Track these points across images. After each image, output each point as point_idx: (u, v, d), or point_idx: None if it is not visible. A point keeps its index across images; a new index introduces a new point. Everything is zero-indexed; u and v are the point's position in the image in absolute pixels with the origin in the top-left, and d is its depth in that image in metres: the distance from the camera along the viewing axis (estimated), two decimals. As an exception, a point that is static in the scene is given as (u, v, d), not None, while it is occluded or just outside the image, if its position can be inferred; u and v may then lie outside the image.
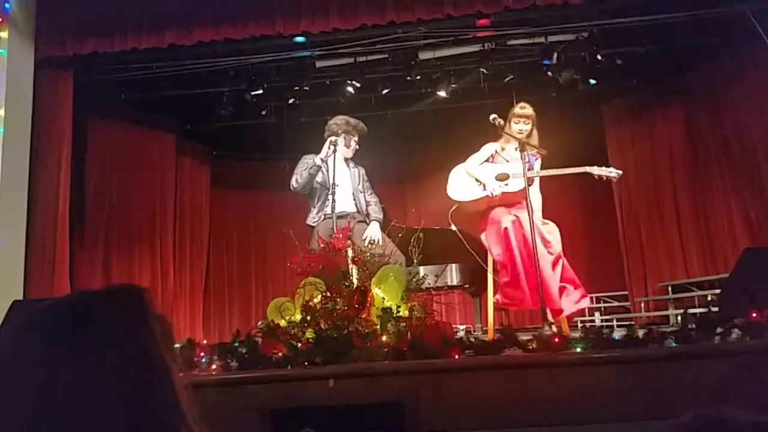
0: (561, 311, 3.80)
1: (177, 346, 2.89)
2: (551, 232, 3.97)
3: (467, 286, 5.05)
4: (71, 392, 0.69)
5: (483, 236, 4.14)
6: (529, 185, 3.87)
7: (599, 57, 6.19)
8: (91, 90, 6.10)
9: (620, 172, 4.07)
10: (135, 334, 0.74)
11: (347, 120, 4.35)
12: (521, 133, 4.04)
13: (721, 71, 6.65)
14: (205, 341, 3.47)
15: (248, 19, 5.30)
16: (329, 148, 4.15)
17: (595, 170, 3.98)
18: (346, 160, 4.32)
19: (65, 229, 5.52)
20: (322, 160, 4.20)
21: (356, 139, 4.32)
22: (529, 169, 3.93)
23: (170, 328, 0.80)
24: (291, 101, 6.93)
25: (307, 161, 4.25)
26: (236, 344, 2.94)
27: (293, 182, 4.24)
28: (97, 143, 6.75)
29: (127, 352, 0.72)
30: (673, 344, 2.75)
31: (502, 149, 4.23)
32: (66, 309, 0.76)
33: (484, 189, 4.10)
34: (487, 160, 4.22)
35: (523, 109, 4.13)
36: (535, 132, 4.14)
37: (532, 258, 3.72)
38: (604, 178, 4.00)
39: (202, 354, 2.93)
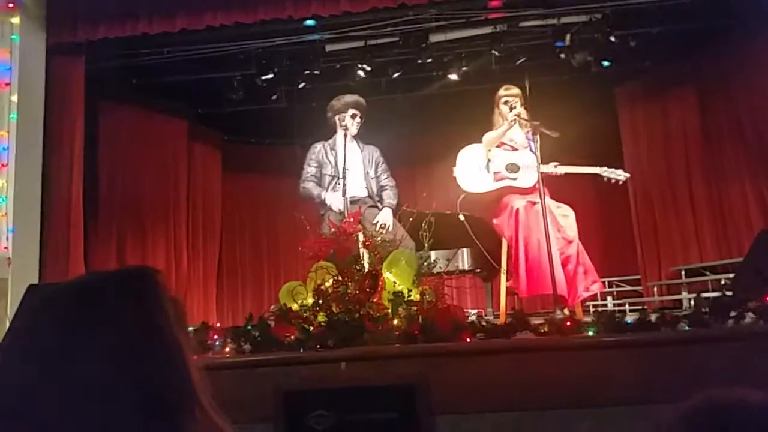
0: (565, 299, 3.79)
1: (190, 329, 2.93)
2: (566, 215, 3.95)
3: (479, 270, 5.04)
4: (85, 373, 0.69)
5: (495, 221, 4.13)
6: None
7: (612, 39, 6.11)
8: (102, 76, 6.11)
9: (628, 174, 4.12)
10: (148, 316, 0.74)
11: (345, 96, 4.34)
12: (514, 109, 4.04)
13: (734, 53, 6.54)
14: (218, 325, 3.50)
15: (258, 3, 5.28)
16: (340, 128, 4.16)
17: (605, 172, 4.03)
18: (356, 140, 4.31)
19: (79, 214, 5.56)
20: (330, 147, 4.21)
21: (359, 114, 4.30)
22: (530, 151, 3.96)
23: (183, 311, 0.80)
24: (301, 85, 6.92)
25: (313, 155, 4.25)
26: (249, 327, 2.96)
27: (301, 187, 4.24)
28: (109, 129, 6.78)
29: (141, 333, 0.73)
30: (686, 328, 2.74)
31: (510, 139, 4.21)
32: (79, 290, 0.76)
33: (495, 180, 4.09)
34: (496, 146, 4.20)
35: (508, 90, 4.14)
36: (524, 111, 4.16)
37: (540, 243, 3.71)
38: (613, 180, 4.01)
39: (215, 337, 2.96)
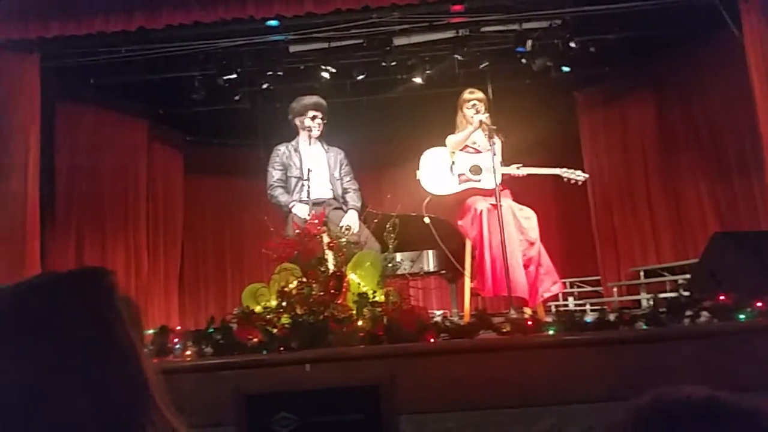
0: (525, 301, 3.85)
1: (150, 332, 2.87)
2: (528, 217, 4.01)
3: (444, 271, 5.07)
4: (36, 376, 0.67)
5: (460, 223, 4.17)
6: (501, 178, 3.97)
7: (572, 44, 6.23)
8: (59, 75, 5.95)
9: (587, 175, 4.24)
10: (101, 317, 0.72)
11: (304, 97, 4.32)
12: (479, 112, 4.10)
13: (690, 59, 6.75)
14: (179, 328, 3.43)
15: (218, 2, 5.21)
16: (302, 130, 4.15)
17: (564, 173, 4.11)
18: (321, 142, 4.29)
19: (35, 217, 5.40)
20: (294, 148, 4.19)
21: (320, 115, 4.28)
22: (494, 155, 4.03)
23: (137, 312, 0.79)
24: (265, 86, 6.86)
25: (277, 158, 4.21)
26: (211, 330, 2.92)
27: (269, 194, 4.19)
28: (67, 129, 6.60)
29: (93, 334, 0.71)
30: (644, 327, 2.80)
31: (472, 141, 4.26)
32: (30, 291, 0.74)
33: (459, 183, 4.13)
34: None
35: (473, 93, 4.22)
36: (487, 115, 4.21)
37: (502, 245, 3.77)
38: (572, 181, 4.09)
39: (176, 340, 2.90)
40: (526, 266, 3.90)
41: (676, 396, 0.66)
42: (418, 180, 4.25)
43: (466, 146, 4.23)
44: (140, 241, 7.33)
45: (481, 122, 4.05)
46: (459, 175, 4.18)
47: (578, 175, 4.10)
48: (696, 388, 0.66)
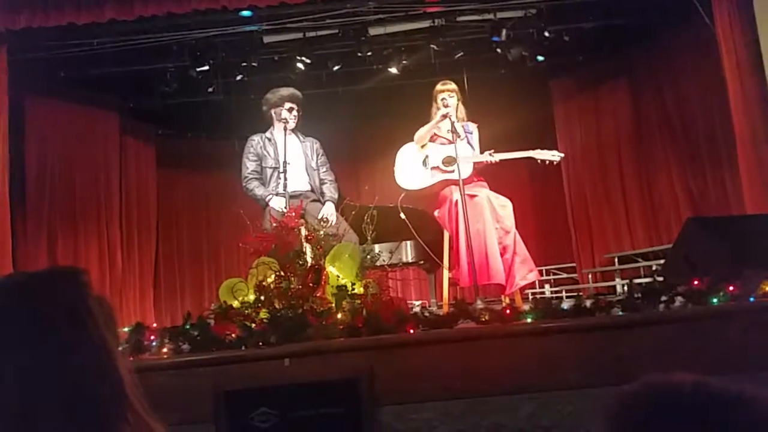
0: (503, 288, 3.87)
1: (125, 330, 2.83)
2: (504, 206, 4.02)
3: (422, 262, 5.08)
4: (8, 376, 0.65)
5: (436, 213, 4.17)
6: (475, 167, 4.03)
7: (547, 34, 6.26)
8: (28, 67, 5.81)
9: (562, 154, 4.22)
10: (73, 316, 0.71)
11: (280, 89, 4.28)
12: (447, 107, 4.10)
13: (663, 48, 6.83)
14: (155, 325, 3.39)
15: (191, -7, 5.13)
16: (278, 121, 4.11)
17: (538, 154, 4.11)
18: (295, 133, 4.25)
19: (5, 214, 5.29)
20: (268, 139, 4.14)
21: (296, 107, 4.25)
22: (468, 143, 4.08)
23: (111, 311, 0.77)
24: (239, 78, 6.78)
25: (251, 148, 4.16)
26: (188, 327, 2.88)
27: (244, 186, 4.14)
28: (37, 123, 6.47)
29: (66, 334, 0.69)
30: (620, 313, 2.84)
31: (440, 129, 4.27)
32: (2, 290, 0.72)
33: (431, 176, 4.14)
34: (430, 140, 4.24)
35: (446, 84, 4.23)
36: (461, 106, 4.25)
37: (480, 234, 3.79)
38: (547, 162, 4.09)
39: (152, 338, 2.86)
40: (501, 254, 3.91)
41: (665, 382, 0.67)
42: (397, 183, 4.26)
43: (437, 136, 4.24)
44: (114, 236, 7.23)
45: (444, 116, 4.06)
46: (432, 168, 4.19)
47: (553, 155, 4.09)
48: (684, 375, 0.67)
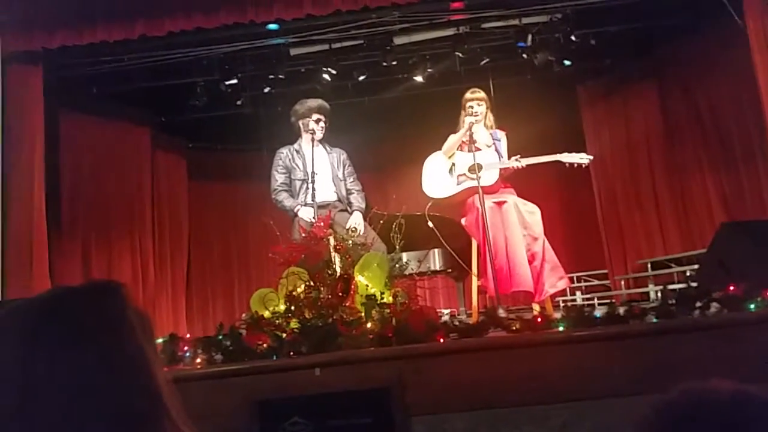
0: (533, 295, 3.83)
1: (159, 341, 2.87)
2: (532, 212, 3.99)
3: (450, 270, 5.07)
4: (50, 391, 0.67)
5: (463, 221, 4.16)
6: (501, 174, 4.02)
7: (573, 38, 6.22)
8: (62, 84, 5.98)
9: (591, 157, 4.13)
10: (113, 330, 0.73)
11: (308, 100, 4.32)
12: (476, 115, 4.11)
13: (691, 49, 6.72)
14: (188, 335, 3.44)
15: (219, 8, 5.23)
16: (305, 132, 4.15)
17: (566, 158, 4.03)
18: (322, 144, 4.29)
19: (42, 226, 5.43)
20: (296, 151, 4.19)
21: (324, 118, 4.28)
22: (495, 150, 4.07)
23: (150, 323, 0.79)
24: (266, 90, 6.87)
25: (280, 161, 4.21)
26: (220, 337, 2.92)
27: (273, 198, 4.19)
28: (71, 138, 6.63)
29: (106, 348, 0.71)
30: (654, 320, 2.79)
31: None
32: (43, 306, 0.74)
33: (458, 184, 4.13)
34: (459, 149, 4.23)
35: (475, 92, 4.22)
36: (490, 114, 4.24)
37: (508, 242, 3.76)
38: (576, 165, 4.03)
39: (185, 348, 2.90)
40: (530, 261, 3.88)
41: (702, 390, 0.66)
42: (424, 192, 4.27)
43: (465, 145, 4.23)
44: (147, 248, 7.35)
45: (471, 124, 4.05)
46: (458, 176, 4.18)
47: (581, 158, 4.01)
48: (723, 382, 0.66)
